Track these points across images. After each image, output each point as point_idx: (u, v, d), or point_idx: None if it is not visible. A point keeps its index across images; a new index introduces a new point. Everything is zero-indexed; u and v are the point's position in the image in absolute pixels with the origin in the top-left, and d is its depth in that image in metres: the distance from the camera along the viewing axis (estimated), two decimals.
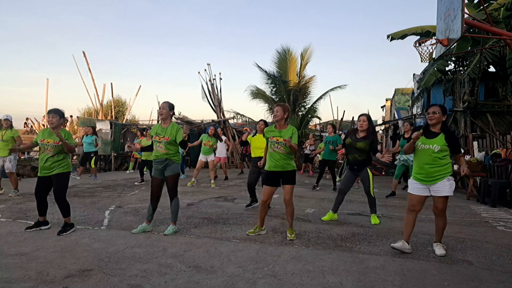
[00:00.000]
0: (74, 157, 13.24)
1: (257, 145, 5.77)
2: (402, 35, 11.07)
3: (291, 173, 4.09)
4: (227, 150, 9.86)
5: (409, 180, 3.78)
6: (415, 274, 3.02)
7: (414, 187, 3.61)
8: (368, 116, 4.84)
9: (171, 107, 4.25)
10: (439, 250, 3.53)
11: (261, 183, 4.32)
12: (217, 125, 14.74)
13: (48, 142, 4.11)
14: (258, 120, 6.43)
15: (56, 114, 4.18)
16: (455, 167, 8.66)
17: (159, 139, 4.13)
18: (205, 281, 2.83)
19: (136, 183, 8.98)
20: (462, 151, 8.57)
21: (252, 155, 5.90)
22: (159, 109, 4.25)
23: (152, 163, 4.32)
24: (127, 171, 12.58)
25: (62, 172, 4.16)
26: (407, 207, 3.68)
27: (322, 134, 16.11)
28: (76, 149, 10.49)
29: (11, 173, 6.79)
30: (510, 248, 3.80)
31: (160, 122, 4.39)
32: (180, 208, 5.64)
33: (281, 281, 2.84)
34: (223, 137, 9.42)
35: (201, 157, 8.77)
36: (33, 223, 4.33)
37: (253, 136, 6.08)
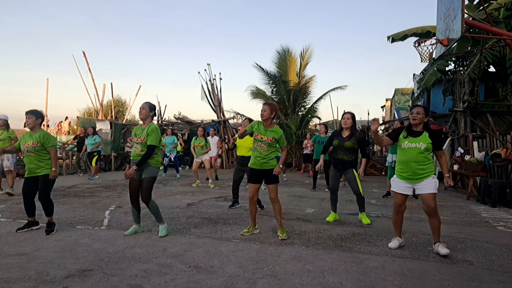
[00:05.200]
0: (74, 157, 13.23)
1: (243, 144, 5.81)
2: (402, 36, 11.05)
3: (271, 172, 4.05)
4: (220, 148, 9.92)
5: (392, 178, 3.83)
6: (415, 274, 3.02)
7: (399, 185, 3.69)
8: (352, 114, 4.92)
9: (151, 107, 4.16)
10: (442, 249, 3.51)
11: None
12: (217, 126, 14.75)
13: (28, 145, 4.13)
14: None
15: (33, 115, 4.20)
16: (455, 167, 8.68)
17: (137, 140, 4.07)
18: (205, 281, 2.83)
19: None
20: (461, 153, 8.61)
21: (238, 154, 5.95)
22: (140, 109, 4.14)
23: None
24: None
25: (48, 173, 4.16)
26: (394, 207, 3.78)
27: None
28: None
29: (9, 171, 6.81)
30: (510, 248, 3.80)
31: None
32: (180, 208, 5.67)
33: (281, 281, 2.84)
34: (216, 137, 9.53)
35: (196, 159, 8.92)
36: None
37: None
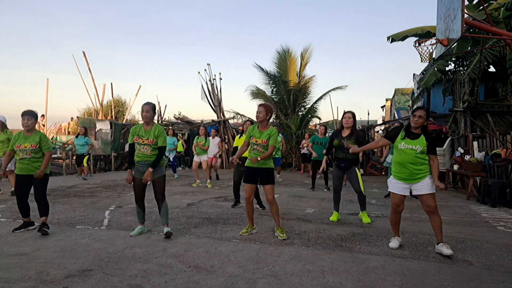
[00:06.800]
0: (74, 157, 13.23)
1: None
2: (402, 37, 11.04)
3: (268, 171, 4.05)
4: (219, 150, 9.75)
5: (389, 179, 3.86)
6: (415, 274, 3.02)
7: (397, 186, 3.70)
8: (353, 114, 4.97)
9: (154, 108, 4.09)
10: (446, 250, 3.48)
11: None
12: (217, 126, 14.75)
13: (26, 147, 4.10)
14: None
15: (32, 116, 4.17)
16: (455, 167, 8.68)
17: (143, 141, 3.99)
18: (205, 281, 2.83)
19: None
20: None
21: None
22: (143, 112, 4.00)
23: None
24: None
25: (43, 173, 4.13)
26: (391, 208, 3.80)
27: None
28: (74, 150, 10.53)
29: (11, 171, 6.84)
30: (510, 248, 3.80)
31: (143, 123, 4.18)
32: (180, 208, 5.67)
33: (281, 281, 2.84)
34: (217, 138, 9.46)
35: (195, 158, 8.93)
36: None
37: (239, 137, 6.17)
